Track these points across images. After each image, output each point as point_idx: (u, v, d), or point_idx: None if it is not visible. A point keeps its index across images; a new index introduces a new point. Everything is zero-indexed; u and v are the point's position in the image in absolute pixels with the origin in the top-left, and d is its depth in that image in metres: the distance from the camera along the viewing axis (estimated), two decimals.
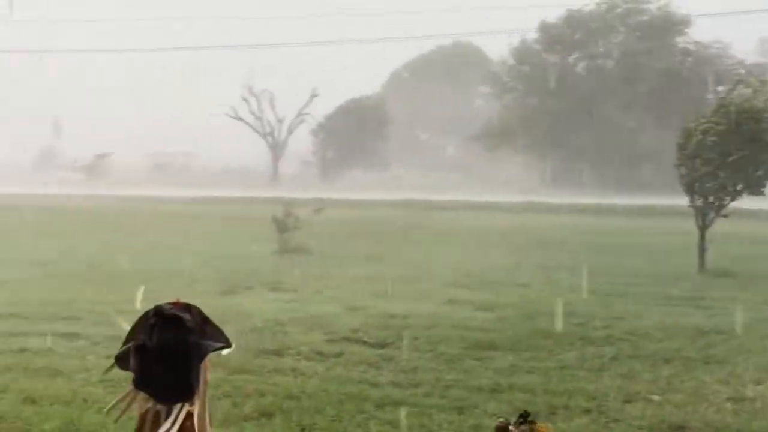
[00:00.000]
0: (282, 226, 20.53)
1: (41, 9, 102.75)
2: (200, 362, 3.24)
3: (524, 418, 3.00)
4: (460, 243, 23.00)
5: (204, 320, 3.32)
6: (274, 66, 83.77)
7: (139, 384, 3.17)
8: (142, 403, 3.18)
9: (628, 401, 7.64)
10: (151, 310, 3.23)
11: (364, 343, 10.07)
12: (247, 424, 6.86)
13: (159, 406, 3.17)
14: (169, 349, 3.19)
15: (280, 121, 79.14)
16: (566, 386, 8.04)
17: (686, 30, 63.77)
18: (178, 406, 3.15)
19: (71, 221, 30.10)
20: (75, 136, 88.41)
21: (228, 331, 10.12)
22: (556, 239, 24.37)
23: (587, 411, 7.34)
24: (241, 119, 78.53)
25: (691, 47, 62.79)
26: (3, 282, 14.76)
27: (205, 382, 3.30)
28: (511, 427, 3.00)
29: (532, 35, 67.14)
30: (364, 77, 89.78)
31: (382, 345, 9.97)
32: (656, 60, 60.63)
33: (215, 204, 42.37)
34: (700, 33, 63.69)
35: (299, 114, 79.28)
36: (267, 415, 7.12)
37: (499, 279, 15.79)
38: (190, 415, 3.20)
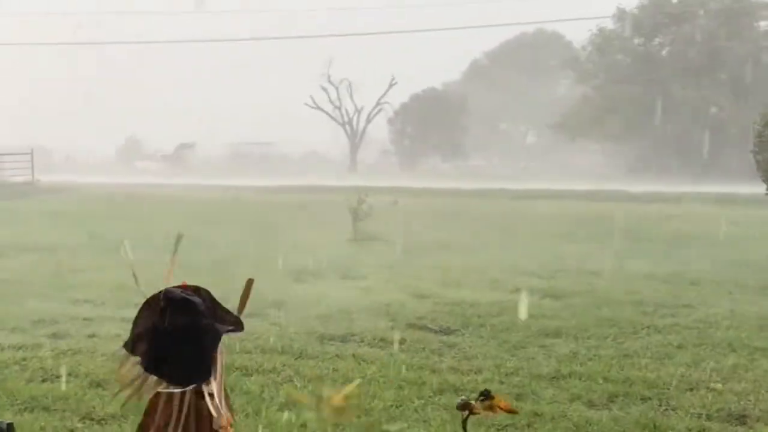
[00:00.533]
0: (356, 214, 20.71)
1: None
2: (215, 344, 3.31)
3: (485, 395, 3.06)
4: (534, 231, 22.88)
5: (214, 303, 3.40)
6: (354, 55, 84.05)
7: (151, 368, 3.24)
8: (151, 387, 3.25)
9: (689, 389, 7.58)
10: (160, 293, 3.31)
11: (429, 329, 10.14)
12: (306, 408, 6.98)
13: (171, 389, 3.23)
14: (183, 332, 3.26)
15: (358, 110, 79.46)
16: (627, 374, 8.01)
17: (765, 13, 62.37)
18: (191, 388, 3.22)
19: (153, 209, 30.67)
20: (157, 126, 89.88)
21: (295, 317, 10.32)
22: (633, 228, 24.07)
23: (646, 399, 7.31)
24: (319, 108, 79.06)
25: None
26: (82, 270, 15.19)
27: (222, 365, 3.37)
28: (472, 402, 3.06)
29: (610, 22, 66.28)
30: (443, 66, 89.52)
31: (446, 332, 10.03)
32: (738, 45, 59.35)
33: (293, 192, 42.73)
34: None
35: (378, 103, 79.49)
36: None
37: (570, 267, 15.70)
38: (205, 396, 3.28)
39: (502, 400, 3.07)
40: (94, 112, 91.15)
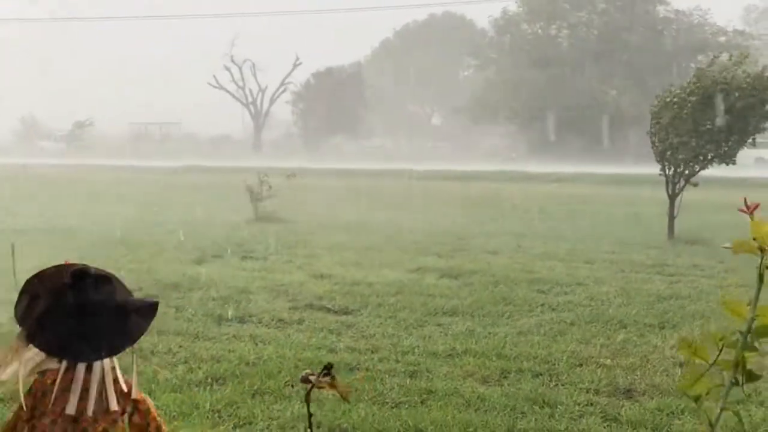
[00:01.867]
0: (256, 194, 20.59)
1: None
2: (143, 318, 3.24)
3: (328, 370, 3.12)
4: (434, 211, 23.10)
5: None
6: (258, 34, 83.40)
7: (57, 348, 3.15)
8: (32, 365, 3.16)
9: (579, 365, 7.76)
10: (60, 268, 3.23)
11: (327, 310, 10.16)
12: (199, 389, 6.95)
13: (70, 367, 3.15)
14: (97, 307, 3.19)
15: (262, 90, 78.95)
16: (520, 351, 8.16)
17: None
18: (106, 362, 3.17)
19: (49, 190, 30.05)
20: (56, 106, 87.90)
21: (193, 298, 10.21)
22: (530, 208, 24.50)
23: (537, 374, 7.46)
24: (223, 88, 78.33)
25: (672, 16, 62.81)
26: None
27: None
28: (311, 377, 3.11)
29: (512, 5, 67.09)
30: (350, 46, 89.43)
31: (344, 312, 10.07)
32: (636, 29, 60.64)
33: (194, 173, 42.32)
34: (681, 2, 63.81)
35: (282, 83, 79.09)
36: (220, 379, 7.21)
37: (470, 247, 15.90)
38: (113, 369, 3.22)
39: (340, 384, 3.12)
40: None
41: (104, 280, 3.25)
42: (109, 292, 3.22)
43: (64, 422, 3.12)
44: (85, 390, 3.15)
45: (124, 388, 3.23)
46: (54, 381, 3.12)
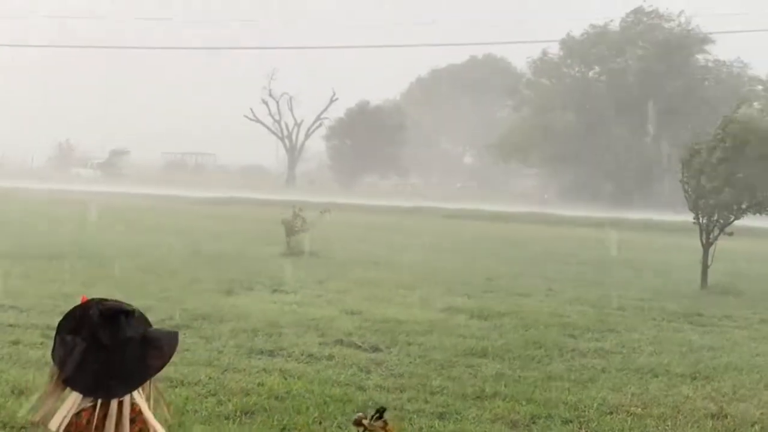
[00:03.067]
0: (290, 228, 20.68)
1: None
2: (166, 350, 3.28)
3: (380, 413, 3.11)
4: (466, 251, 23.06)
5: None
6: (295, 69, 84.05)
7: (94, 388, 3.18)
8: (71, 405, 3.19)
9: (609, 413, 7.70)
10: (87, 305, 3.26)
11: (357, 346, 10.16)
12: (228, 422, 6.96)
13: (104, 405, 3.19)
14: (130, 342, 3.23)
15: (298, 124, 79.37)
16: (550, 396, 8.11)
17: (706, 47, 63.71)
18: (131, 396, 3.20)
19: (84, 217, 30.31)
20: (93, 134, 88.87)
21: (224, 329, 10.29)
22: (562, 251, 24.41)
23: (567, 421, 7.41)
24: (259, 121, 78.82)
25: (711, 65, 62.68)
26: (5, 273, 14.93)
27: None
28: (364, 421, 3.10)
29: (554, 49, 67.21)
30: (388, 83, 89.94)
31: (374, 349, 10.06)
32: (675, 77, 60.53)
33: (228, 205, 42.55)
34: (720, 51, 63.67)
35: (318, 118, 79.50)
36: (249, 413, 7.22)
37: (499, 288, 15.86)
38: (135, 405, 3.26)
39: (393, 426, 3.12)
40: (27, 117, 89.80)
41: (130, 314, 3.29)
42: (134, 326, 3.26)
43: None
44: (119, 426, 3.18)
45: (151, 420, 3.26)
46: (89, 420, 3.15)
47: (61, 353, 3.19)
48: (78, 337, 3.18)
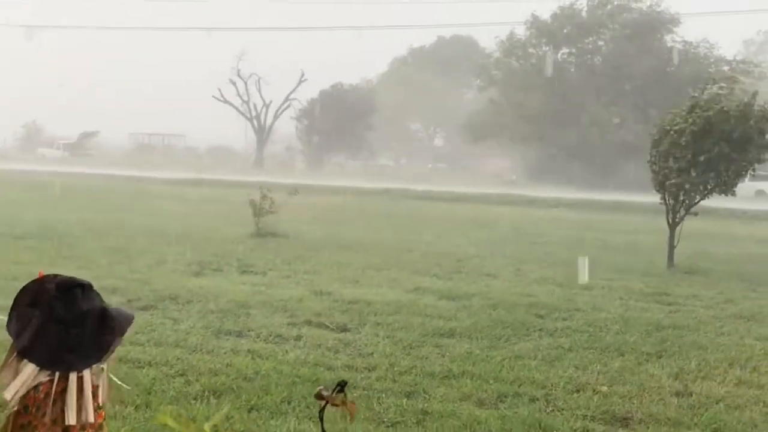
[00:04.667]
0: (258, 209, 20.62)
1: None
2: (122, 327, 3.28)
3: (341, 387, 3.14)
4: (434, 233, 23.10)
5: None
6: (264, 49, 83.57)
7: (50, 361, 3.17)
8: (31, 380, 3.18)
9: (576, 391, 7.76)
10: (43, 280, 3.25)
11: (326, 327, 10.17)
12: (196, 402, 6.95)
13: (63, 379, 3.18)
14: (86, 317, 3.22)
15: (266, 105, 78.97)
16: (517, 374, 8.16)
17: (675, 29, 63.99)
18: (91, 370, 3.20)
19: (50, 198, 30.08)
20: (59, 114, 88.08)
21: (192, 310, 10.24)
22: (531, 232, 24.53)
23: (534, 399, 7.46)
24: (228, 102, 78.36)
25: (679, 46, 62.97)
26: None
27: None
28: (324, 393, 3.14)
29: (521, 29, 67.22)
30: (356, 65, 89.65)
31: (342, 329, 10.08)
32: (644, 58, 60.75)
33: (197, 186, 42.37)
34: (688, 32, 64.00)
35: (287, 99, 79.11)
36: (217, 393, 7.21)
37: (468, 269, 15.91)
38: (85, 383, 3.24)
39: (352, 403, 3.15)
40: None
41: (87, 289, 3.29)
42: (90, 300, 3.26)
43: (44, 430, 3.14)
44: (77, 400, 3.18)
45: (103, 398, 3.26)
46: (48, 394, 3.13)
47: (17, 326, 3.18)
48: (35, 310, 3.17)
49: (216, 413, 2.88)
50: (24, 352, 3.15)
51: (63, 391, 3.15)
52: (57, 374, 3.16)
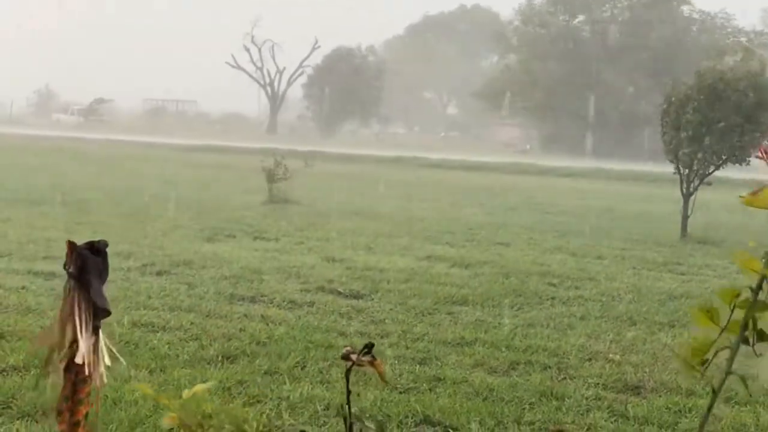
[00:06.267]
0: (271, 176, 20.65)
1: None
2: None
3: (369, 349, 3.12)
4: (447, 201, 23.10)
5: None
6: (279, 15, 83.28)
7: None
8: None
9: (588, 359, 7.78)
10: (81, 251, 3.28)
11: (338, 293, 10.20)
12: (210, 366, 6.99)
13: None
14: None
15: (280, 72, 78.84)
16: (529, 343, 8.18)
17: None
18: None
19: (65, 163, 30.15)
20: (74, 78, 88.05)
21: (205, 276, 10.29)
22: (544, 201, 24.50)
23: (546, 367, 7.48)
24: (241, 68, 78.26)
25: (696, 16, 62.53)
26: None
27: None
28: (353, 356, 3.12)
29: None
30: (373, 32, 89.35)
31: (355, 296, 10.10)
32: (661, 27, 60.37)
33: (209, 152, 42.39)
34: (706, 3, 63.51)
35: (300, 65, 78.97)
36: (231, 358, 7.25)
37: (480, 237, 15.91)
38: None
39: (381, 364, 3.13)
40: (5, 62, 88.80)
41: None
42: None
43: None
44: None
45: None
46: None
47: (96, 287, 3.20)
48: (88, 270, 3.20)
49: (199, 385, 2.91)
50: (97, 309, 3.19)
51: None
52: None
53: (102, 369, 3.20)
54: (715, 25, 62.11)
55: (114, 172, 27.16)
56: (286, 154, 21.88)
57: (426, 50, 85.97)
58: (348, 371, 3.16)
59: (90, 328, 3.22)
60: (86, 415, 3.17)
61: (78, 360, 3.08)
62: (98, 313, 3.23)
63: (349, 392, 3.20)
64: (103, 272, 3.21)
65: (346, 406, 3.06)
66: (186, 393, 3.10)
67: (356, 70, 75.82)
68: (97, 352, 3.19)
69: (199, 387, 3.19)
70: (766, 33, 63.59)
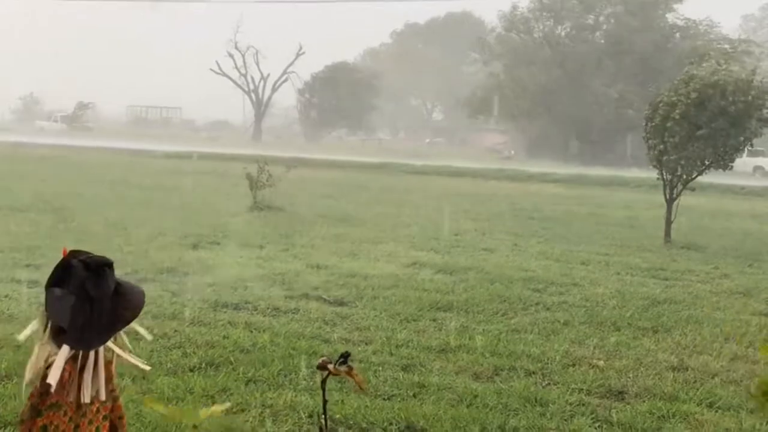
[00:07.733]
0: (255, 183, 20.59)
1: None
2: (140, 301, 3.31)
3: (344, 358, 3.12)
4: (432, 207, 23.09)
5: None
6: (262, 22, 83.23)
7: (78, 340, 3.17)
8: (64, 359, 3.19)
9: (572, 365, 7.79)
10: (70, 257, 3.25)
11: (323, 300, 10.19)
12: (193, 374, 6.97)
13: (83, 357, 3.20)
14: (107, 295, 3.23)
15: (264, 78, 78.73)
16: (513, 348, 8.18)
17: (675, 6, 63.76)
18: (106, 345, 3.23)
19: (49, 171, 30.03)
20: (58, 87, 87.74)
21: (189, 283, 10.25)
22: (528, 207, 24.52)
23: (530, 373, 7.48)
24: (225, 75, 78.11)
25: (680, 23, 62.81)
26: None
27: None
28: (329, 366, 3.12)
29: (524, 3, 66.91)
30: (358, 39, 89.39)
31: (339, 303, 10.10)
32: (645, 34, 60.56)
33: (194, 159, 42.23)
34: (689, 11, 63.79)
35: (284, 72, 78.88)
36: (215, 365, 7.23)
37: (465, 243, 15.92)
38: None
39: (357, 374, 3.12)
40: None
41: (110, 267, 3.30)
42: (110, 279, 3.26)
43: (70, 410, 3.16)
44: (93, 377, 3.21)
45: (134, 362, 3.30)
46: (71, 373, 3.16)
47: (53, 308, 3.19)
48: (69, 291, 3.17)
49: (216, 406, 2.90)
50: (61, 335, 3.17)
51: (81, 370, 3.18)
52: (80, 353, 3.18)
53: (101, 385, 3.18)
54: (699, 32, 62.36)
55: (98, 180, 27.04)
56: (270, 161, 21.81)
57: (411, 57, 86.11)
58: (324, 381, 3.16)
59: (55, 344, 3.20)
60: (43, 428, 3.15)
61: (50, 380, 3.07)
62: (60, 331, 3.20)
63: (325, 401, 3.19)
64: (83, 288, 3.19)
65: (323, 416, 3.07)
66: (203, 412, 3.10)
67: (349, 80, 75.88)
68: (96, 367, 3.17)
69: (216, 408, 3.18)
70: (750, 41, 63.94)
